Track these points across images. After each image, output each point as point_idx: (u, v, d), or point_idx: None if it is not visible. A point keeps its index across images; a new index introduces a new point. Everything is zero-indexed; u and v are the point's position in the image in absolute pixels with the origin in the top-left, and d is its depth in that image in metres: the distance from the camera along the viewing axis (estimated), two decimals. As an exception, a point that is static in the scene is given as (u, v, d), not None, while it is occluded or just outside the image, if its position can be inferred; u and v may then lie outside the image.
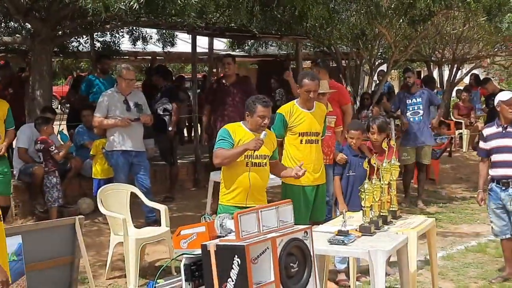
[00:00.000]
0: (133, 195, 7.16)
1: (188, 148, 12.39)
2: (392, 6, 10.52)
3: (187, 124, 15.02)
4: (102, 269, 6.92)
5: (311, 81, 6.29)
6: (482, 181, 6.84)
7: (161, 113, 9.65)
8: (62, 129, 9.75)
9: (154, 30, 13.54)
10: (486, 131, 6.81)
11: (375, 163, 5.32)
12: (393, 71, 16.33)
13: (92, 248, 7.49)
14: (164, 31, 13.15)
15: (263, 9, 9.38)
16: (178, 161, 10.52)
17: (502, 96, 6.67)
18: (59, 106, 21.85)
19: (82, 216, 5.78)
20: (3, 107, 7.77)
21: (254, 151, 5.32)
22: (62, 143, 8.79)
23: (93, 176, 8.66)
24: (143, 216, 8.03)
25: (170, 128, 9.71)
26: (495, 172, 6.65)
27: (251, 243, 3.86)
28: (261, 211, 4.09)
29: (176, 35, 13.65)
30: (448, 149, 13.92)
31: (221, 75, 9.50)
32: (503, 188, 6.57)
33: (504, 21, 8.70)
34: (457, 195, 11.41)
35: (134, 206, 7.55)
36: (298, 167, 5.70)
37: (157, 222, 7.28)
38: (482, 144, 6.84)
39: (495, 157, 6.67)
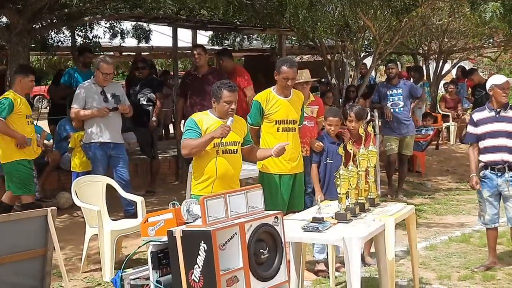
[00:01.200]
0: (114, 189, 7.03)
1: (172, 142, 12.26)
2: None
3: (173, 120, 14.87)
4: (80, 263, 6.79)
5: (289, 68, 6.14)
6: (474, 165, 6.61)
7: (145, 103, 9.50)
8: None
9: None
10: (477, 116, 6.64)
11: (351, 149, 5.20)
12: (382, 67, 16.20)
13: (71, 242, 7.37)
14: (140, 24, 12.99)
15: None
16: (161, 155, 10.38)
17: (495, 80, 6.53)
18: (48, 106, 21.62)
19: (55, 208, 5.63)
20: (28, 105, 7.59)
21: (222, 138, 5.20)
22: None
23: (72, 170, 8.51)
24: (122, 210, 7.90)
25: (154, 118, 9.56)
26: (489, 157, 6.49)
27: (217, 228, 3.77)
28: (229, 196, 3.99)
29: (152, 30, 13.51)
30: (435, 142, 13.86)
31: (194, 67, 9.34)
32: (499, 174, 6.43)
33: (487, 10, 8.53)
34: (443, 186, 11.37)
35: (114, 199, 7.46)
36: (278, 145, 5.55)
37: (136, 215, 7.15)
38: (471, 129, 6.66)
39: (487, 142, 6.50)
